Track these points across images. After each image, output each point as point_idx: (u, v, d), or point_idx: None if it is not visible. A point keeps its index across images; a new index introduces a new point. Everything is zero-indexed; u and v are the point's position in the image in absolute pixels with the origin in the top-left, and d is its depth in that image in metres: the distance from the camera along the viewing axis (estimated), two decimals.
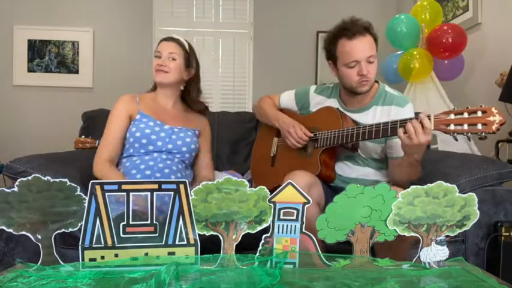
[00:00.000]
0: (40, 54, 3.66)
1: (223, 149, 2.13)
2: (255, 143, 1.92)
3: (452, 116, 1.15)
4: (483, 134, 1.10)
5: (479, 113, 1.11)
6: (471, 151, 2.29)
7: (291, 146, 1.59)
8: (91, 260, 0.91)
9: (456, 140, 1.18)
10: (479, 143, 2.34)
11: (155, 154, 1.55)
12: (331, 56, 1.54)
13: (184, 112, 1.72)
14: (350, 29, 1.45)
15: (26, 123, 3.62)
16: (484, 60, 2.57)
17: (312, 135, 1.56)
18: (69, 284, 0.83)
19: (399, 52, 2.74)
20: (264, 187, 0.95)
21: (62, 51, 3.68)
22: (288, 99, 1.77)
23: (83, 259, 0.91)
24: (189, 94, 1.71)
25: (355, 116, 1.56)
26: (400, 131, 1.25)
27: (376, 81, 1.58)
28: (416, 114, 1.25)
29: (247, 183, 0.95)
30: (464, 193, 0.94)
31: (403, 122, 1.26)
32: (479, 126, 1.10)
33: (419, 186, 0.94)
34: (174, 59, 1.61)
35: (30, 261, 0.92)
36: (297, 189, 0.94)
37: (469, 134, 1.13)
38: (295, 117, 1.67)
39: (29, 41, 3.64)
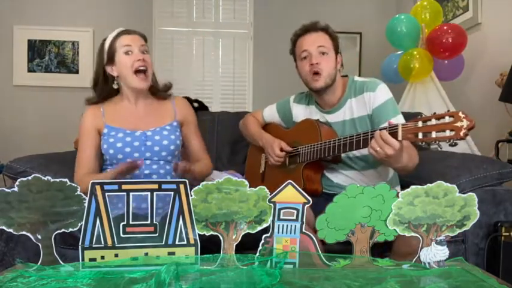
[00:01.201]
0: (40, 54, 3.66)
1: (223, 149, 2.13)
2: (247, 159, 1.92)
3: (420, 124, 1.08)
4: (452, 140, 1.02)
5: (447, 118, 1.03)
6: (471, 151, 2.29)
7: (272, 164, 1.61)
8: (91, 260, 0.91)
9: (428, 149, 1.14)
10: (479, 143, 2.34)
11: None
12: (294, 58, 1.58)
13: (156, 105, 1.55)
14: (304, 28, 1.52)
15: (26, 123, 3.62)
16: (484, 60, 2.57)
17: (290, 150, 1.56)
18: (69, 284, 0.83)
19: (399, 52, 2.74)
20: (264, 187, 0.95)
21: (62, 51, 3.68)
22: (270, 113, 1.78)
23: (83, 259, 0.91)
24: (154, 85, 1.54)
25: (332, 117, 1.53)
26: (370, 145, 1.20)
27: (345, 76, 1.57)
28: (389, 126, 1.19)
29: (247, 183, 0.95)
30: (464, 193, 0.94)
31: (373, 134, 1.21)
32: (448, 133, 1.02)
33: (419, 186, 0.94)
34: (147, 52, 1.46)
35: (30, 261, 0.92)
36: (297, 189, 0.94)
37: (438, 143, 1.05)
38: (278, 132, 1.68)
39: (29, 41, 3.64)
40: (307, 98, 1.66)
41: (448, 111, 1.05)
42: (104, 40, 1.49)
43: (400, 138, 1.13)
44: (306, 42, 1.49)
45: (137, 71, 1.43)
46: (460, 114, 1.00)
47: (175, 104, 1.59)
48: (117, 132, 1.46)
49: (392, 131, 1.15)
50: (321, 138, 1.45)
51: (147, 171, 1.45)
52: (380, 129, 1.19)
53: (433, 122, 1.05)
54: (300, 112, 1.65)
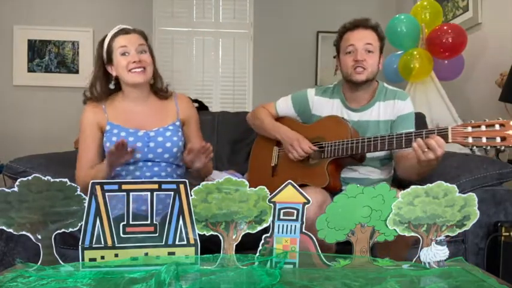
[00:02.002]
0: (40, 54, 3.66)
1: (223, 149, 2.13)
2: (252, 152, 1.84)
3: (469, 129, 1.16)
4: (502, 147, 1.11)
5: (497, 126, 1.11)
6: (471, 151, 2.28)
7: (293, 158, 1.55)
8: (91, 260, 0.91)
9: (473, 152, 1.19)
10: None
11: (140, 163, 1.43)
12: (337, 50, 1.59)
13: (159, 104, 1.52)
14: (355, 23, 1.53)
15: (26, 123, 3.62)
16: (484, 60, 2.57)
17: (316, 148, 1.52)
18: (69, 284, 0.83)
19: (399, 52, 2.74)
20: (264, 187, 0.95)
21: (62, 51, 3.68)
22: (285, 105, 1.71)
23: (83, 259, 0.91)
24: (156, 85, 1.52)
25: (359, 115, 1.55)
26: (415, 144, 1.24)
27: (376, 81, 1.59)
28: (429, 130, 1.25)
29: (247, 183, 0.95)
30: (464, 193, 0.94)
31: (418, 134, 1.26)
32: (498, 140, 1.11)
33: (419, 186, 0.94)
34: (145, 52, 1.42)
35: (30, 261, 0.92)
36: (297, 189, 0.94)
37: (488, 147, 1.13)
38: (296, 127, 1.63)
39: (29, 41, 3.64)
40: (330, 92, 1.64)
41: (499, 119, 1.12)
42: (103, 39, 1.46)
43: (450, 140, 1.19)
44: (354, 37, 1.50)
45: (132, 70, 1.40)
46: (511, 123, 1.08)
47: (178, 102, 1.55)
48: (119, 131, 1.43)
49: (442, 133, 1.20)
50: (351, 136, 1.45)
51: (148, 173, 1.43)
52: (427, 131, 1.24)
53: (483, 128, 1.13)
54: (323, 104, 1.62)
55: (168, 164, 1.47)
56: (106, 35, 1.46)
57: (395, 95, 1.55)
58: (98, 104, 1.48)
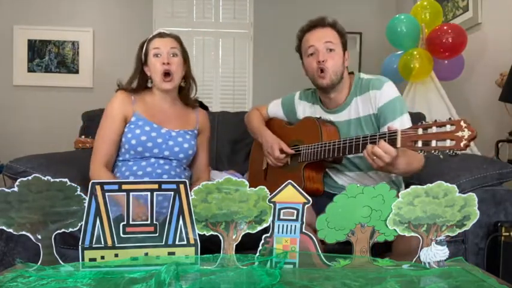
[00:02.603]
0: (40, 54, 3.66)
1: (223, 149, 2.13)
2: (251, 153, 1.89)
3: (420, 132, 1.04)
4: (452, 151, 0.98)
5: (448, 127, 0.98)
6: (471, 151, 2.29)
7: (270, 163, 1.60)
8: (91, 260, 0.91)
9: (427, 157, 1.09)
10: (479, 143, 2.34)
11: (152, 159, 1.48)
12: (300, 54, 1.55)
13: (183, 110, 1.62)
14: (311, 24, 1.49)
15: (26, 123, 3.62)
16: (484, 60, 2.57)
17: (292, 152, 1.53)
18: (69, 284, 0.83)
19: (399, 52, 2.74)
20: (264, 187, 0.95)
21: (62, 51, 3.68)
22: (275, 108, 1.74)
23: (83, 259, 0.91)
24: (186, 91, 1.62)
25: (336, 116, 1.51)
26: (365, 152, 1.18)
27: (351, 73, 1.53)
28: (380, 133, 1.18)
29: (247, 183, 0.95)
30: (464, 193, 0.94)
31: (364, 140, 1.22)
32: (448, 143, 0.98)
33: (419, 186, 0.94)
34: (175, 55, 1.51)
35: (30, 261, 0.92)
36: (297, 189, 0.94)
37: (438, 152, 1.00)
38: (281, 129, 1.65)
39: (29, 41, 3.64)
40: (313, 96, 1.62)
41: (450, 118, 1.00)
42: (143, 42, 1.57)
43: (398, 145, 1.10)
44: (312, 38, 1.46)
45: (163, 74, 1.48)
46: (462, 123, 0.96)
47: (199, 114, 1.66)
48: (144, 124, 1.49)
49: (392, 137, 1.13)
50: (322, 139, 1.43)
51: (159, 170, 1.47)
52: (380, 135, 1.17)
53: (434, 129, 1.01)
54: (305, 110, 1.62)
55: (178, 165, 1.53)
56: (146, 38, 1.57)
57: (369, 85, 1.43)
58: (128, 95, 1.53)
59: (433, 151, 1.01)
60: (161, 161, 1.49)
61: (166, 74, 1.48)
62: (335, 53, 1.43)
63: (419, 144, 1.04)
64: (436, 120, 1.03)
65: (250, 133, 1.81)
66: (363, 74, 1.51)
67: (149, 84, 1.60)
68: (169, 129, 1.53)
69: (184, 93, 1.62)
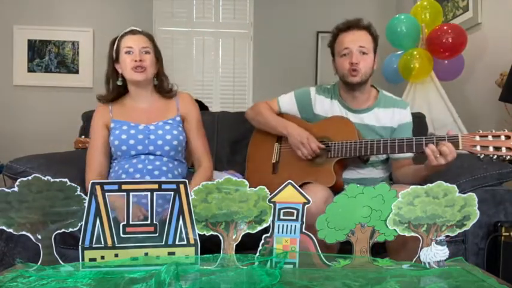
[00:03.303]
0: (40, 54, 3.66)
1: (223, 149, 2.12)
2: (249, 150, 1.81)
3: (477, 138, 1.25)
4: (507, 157, 1.20)
5: (503, 137, 1.22)
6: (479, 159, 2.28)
7: (301, 156, 1.53)
8: (91, 260, 0.91)
9: (481, 160, 1.26)
10: None
11: (142, 156, 1.50)
12: (332, 52, 1.60)
13: (160, 103, 1.60)
14: (347, 24, 1.54)
15: (26, 123, 3.62)
16: (484, 60, 2.57)
17: (323, 147, 1.51)
18: (69, 284, 0.83)
19: (399, 52, 2.74)
20: (264, 187, 0.95)
21: (62, 51, 3.68)
22: (288, 102, 1.69)
23: (83, 259, 0.91)
24: (162, 86, 1.59)
25: (358, 117, 1.57)
26: (427, 149, 1.29)
27: (374, 87, 1.62)
28: (439, 136, 1.32)
29: (247, 183, 0.95)
30: (464, 193, 0.94)
31: (430, 140, 1.32)
32: (504, 150, 1.21)
33: (419, 186, 0.94)
34: (148, 53, 1.51)
35: (30, 261, 0.92)
36: (297, 189, 0.94)
37: (494, 156, 1.22)
38: (302, 125, 1.60)
39: (29, 41, 3.64)
40: (330, 92, 1.64)
41: (505, 130, 1.23)
42: (114, 39, 1.57)
43: (460, 147, 1.26)
44: (348, 40, 1.51)
45: (134, 68, 1.48)
46: None
47: (179, 99, 1.63)
48: (121, 125, 1.53)
49: (453, 140, 1.27)
50: (358, 137, 1.48)
51: (149, 167, 1.48)
52: (437, 137, 1.31)
53: (490, 138, 1.23)
54: (324, 104, 1.63)
55: (170, 160, 1.53)
56: (117, 36, 1.57)
57: (395, 103, 1.58)
58: (105, 106, 1.59)
59: (491, 155, 1.23)
60: (151, 157, 1.51)
61: (138, 67, 1.48)
62: (367, 56, 1.51)
63: (478, 148, 1.24)
64: (492, 131, 1.24)
65: (259, 126, 1.73)
66: (385, 92, 1.64)
67: (119, 83, 1.57)
68: (146, 124, 1.54)
69: (159, 86, 1.60)
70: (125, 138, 1.50)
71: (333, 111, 1.60)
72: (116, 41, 1.54)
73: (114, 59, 1.54)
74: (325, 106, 1.62)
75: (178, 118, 1.58)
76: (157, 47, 1.58)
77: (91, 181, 0.92)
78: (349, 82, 1.52)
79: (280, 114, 1.70)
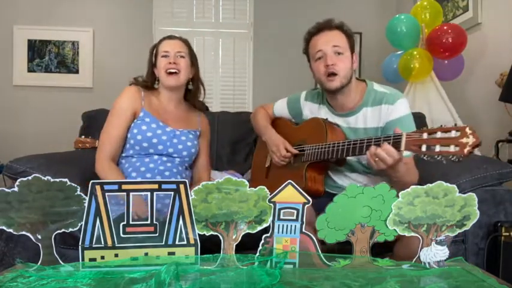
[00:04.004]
0: (40, 54, 3.66)
1: (223, 149, 2.13)
2: (255, 152, 1.90)
3: (425, 136, 1.06)
4: (455, 157, 0.99)
5: (453, 133, 1.00)
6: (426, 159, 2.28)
7: (275, 162, 1.60)
8: (91, 260, 0.91)
9: (429, 160, 1.08)
10: None
11: (155, 156, 1.52)
12: (308, 57, 1.55)
13: (186, 112, 1.68)
14: (318, 27, 1.48)
15: (26, 123, 3.62)
16: (484, 60, 2.57)
17: (296, 152, 1.54)
18: (69, 284, 0.83)
19: (399, 52, 2.74)
20: (264, 187, 0.95)
21: (62, 51, 3.68)
22: (281, 107, 1.74)
23: (83, 259, 0.91)
24: (193, 93, 1.68)
25: (345, 120, 1.50)
26: (367, 153, 1.20)
27: (364, 81, 1.53)
28: (385, 136, 1.19)
29: (247, 183, 0.95)
30: (464, 193, 0.94)
31: (368, 142, 1.23)
32: (452, 148, 0.99)
33: (419, 186, 0.94)
34: (182, 57, 1.57)
35: (30, 261, 0.92)
36: (297, 189, 0.94)
37: (441, 157, 1.02)
38: (286, 128, 1.66)
39: (29, 41, 3.64)
40: (319, 97, 1.61)
41: (456, 124, 1.04)
42: (154, 45, 1.63)
43: (402, 148, 1.12)
44: (320, 42, 1.44)
45: (168, 72, 1.54)
46: (467, 130, 0.97)
47: (200, 118, 1.73)
48: (151, 121, 1.53)
49: (396, 140, 1.13)
50: (327, 139, 1.42)
51: (161, 167, 1.51)
52: (384, 137, 1.18)
53: (439, 134, 1.02)
54: (312, 111, 1.62)
55: (181, 163, 1.57)
56: (157, 42, 1.63)
57: (384, 99, 1.42)
58: (138, 90, 1.57)
59: (436, 156, 1.02)
60: (164, 158, 1.52)
61: (172, 73, 1.54)
62: (344, 56, 1.42)
63: (424, 148, 1.05)
64: (441, 126, 1.04)
65: (256, 131, 1.82)
66: (376, 85, 1.49)
67: (156, 86, 1.65)
68: (173, 128, 1.57)
69: (193, 94, 1.68)
70: (149, 136, 1.51)
71: (321, 115, 1.57)
72: (155, 47, 1.61)
73: (153, 64, 1.60)
74: (313, 112, 1.61)
75: (198, 133, 1.67)
76: (193, 51, 1.64)
77: (91, 181, 0.92)
78: (328, 89, 1.45)
79: (275, 118, 1.77)
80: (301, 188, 1.39)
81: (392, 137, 1.15)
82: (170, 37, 1.61)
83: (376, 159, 1.16)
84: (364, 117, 1.46)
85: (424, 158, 1.07)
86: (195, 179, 1.66)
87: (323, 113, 1.57)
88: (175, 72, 1.54)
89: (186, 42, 1.63)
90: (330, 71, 1.41)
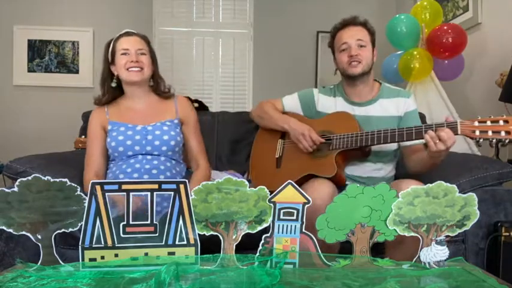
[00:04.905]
0: (40, 54, 3.66)
1: (223, 149, 2.12)
2: (254, 146, 1.86)
3: (476, 123, 1.27)
4: (506, 140, 1.23)
5: (501, 122, 1.24)
6: (471, 151, 2.29)
7: (303, 149, 1.57)
8: (91, 260, 0.91)
9: (479, 145, 1.32)
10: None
11: (139, 156, 1.51)
12: (332, 51, 1.66)
13: (158, 103, 1.62)
14: (344, 22, 1.62)
15: (26, 123, 3.62)
16: (484, 60, 2.57)
17: (324, 140, 1.54)
18: (69, 284, 0.83)
19: (399, 52, 2.74)
20: (264, 187, 0.95)
21: (62, 51, 3.68)
22: (291, 102, 1.75)
23: (83, 259, 0.91)
24: (158, 87, 1.61)
25: (364, 110, 1.59)
26: (427, 136, 1.32)
27: (377, 81, 1.66)
28: (438, 123, 1.34)
29: (247, 183, 0.95)
30: (464, 193, 0.94)
31: (429, 127, 1.34)
32: (503, 134, 1.23)
33: (419, 186, 0.94)
34: (143, 54, 1.53)
35: (30, 261, 0.92)
36: (297, 189, 0.94)
37: (494, 140, 1.25)
38: (304, 121, 1.65)
39: (29, 41, 3.64)
40: (332, 91, 1.69)
41: (503, 115, 1.25)
42: (109, 41, 1.58)
43: (459, 132, 1.29)
44: (345, 36, 1.58)
45: (130, 68, 1.51)
46: None
47: (178, 102, 1.65)
48: (119, 127, 1.54)
49: (451, 126, 1.30)
50: (360, 130, 1.50)
51: (147, 166, 1.49)
52: (436, 125, 1.33)
53: (489, 123, 1.26)
54: (327, 102, 1.67)
55: (167, 159, 1.54)
56: (112, 38, 1.58)
57: (399, 93, 1.62)
58: (101, 108, 1.60)
59: (490, 139, 1.25)
60: (148, 157, 1.51)
61: (134, 66, 1.50)
62: (366, 49, 1.57)
63: (477, 133, 1.26)
64: (490, 116, 1.27)
65: (263, 122, 1.78)
66: (387, 84, 1.68)
67: (113, 84, 1.58)
68: (144, 125, 1.55)
69: (157, 87, 1.62)
70: (122, 140, 1.51)
71: (337, 107, 1.63)
72: (112, 43, 1.56)
73: (109, 61, 1.56)
74: (329, 104, 1.66)
75: (176, 121, 1.60)
76: (152, 48, 1.60)
77: (91, 181, 0.92)
78: (350, 74, 1.56)
79: (284, 113, 1.76)
80: (331, 176, 1.46)
81: (446, 124, 1.31)
82: (128, 33, 1.56)
83: (437, 141, 1.29)
84: (383, 107, 1.60)
85: (477, 140, 1.28)
86: (193, 167, 1.63)
87: (339, 104, 1.64)
88: (139, 67, 1.51)
89: (145, 39, 1.58)
90: (354, 60, 1.54)
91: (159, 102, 1.62)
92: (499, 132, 1.24)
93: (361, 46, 1.56)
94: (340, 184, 1.49)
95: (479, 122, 1.27)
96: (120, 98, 1.62)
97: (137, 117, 1.56)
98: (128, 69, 1.50)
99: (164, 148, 1.52)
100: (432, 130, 1.32)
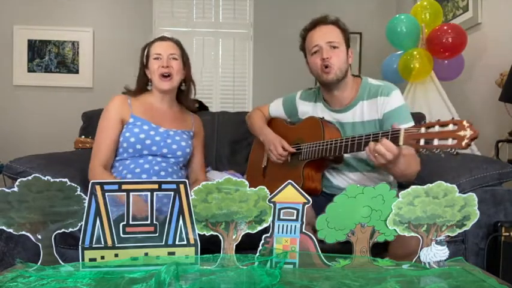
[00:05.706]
0: (40, 54, 3.66)
1: (223, 149, 2.13)
2: (251, 152, 1.90)
3: (423, 130, 1.06)
4: (454, 150, 0.99)
5: (451, 126, 1.00)
6: (471, 151, 2.29)
7: (273, 160, 1.60)
8: (91, 260, 0.91)
9: (427, 154, 1.09)
10: (479, 143, 2.34)
11: (150, 157, 1.52)
12: (304, 53, 1.57)
13: (180, 113, 1.68)
14: (314, 22, 1.51)
15: (26, 123, 3.62)
16: (484, 60, 2.57)
17: (293, 150, 1.55)
18: (69, 284, 0.83)
19: (399, 52, 2.74)
20: (264, 187, 0.95)
21: (62, 51, 3.68)
22: (276, 107, 1.76)
23: (83, 259, 0.91)
24: (185, 94, 1.67)
25: (341, 116, 1.51)
26: (366, 149, 1.20)
27: (359, 76, 1.55)
28: (383, 132, 1.19)
29: (247, 183, 0.95)
30: (464, 193, 0.94)
31: (367, 138, 1.23)
32: (450, 142, 0.99)
33: (419, 186, 0.94)
34: (175, 59, 1.56)
35: (30, 261, 0.92)
36: (297, 189, 0.94)
37: (440, 151, 1.02)
38: (283, 128, 1.67)
39: (29, 41, 3.64)
40: (314, 95, 1.63)
41: (453, 118, 1.03)
42: (145, 45, 1.63)
43: (401, 143, 1.12)
44: (316, 37, 1.47)
45: (161, 74, 1.53)
46: (465, 123, 0.97)
47: (193, 117, 1.73)
48: (142, 124, 1.54)
49: (394, 135, 1.14)
50: (324, 137, 1.43)
51: (156, 167, 1.50)
52: (382, 133, 1.18)
53: (437, 128, 1.03)
54: (307, 110, 1.62)
55: (176, 163, 1.57)
56: (148, 42, 1.63)
57: (378, 91, 1.44)
58: (124, 98, 1.59)
59: (434, 150, 1.03)
60: (158, 159, 1.52)
61: (165, 75, 1.53)
62: (339, 50, 1.45)
63: (422, 142, 1.05)
64: (439, 120, 1.04)
65: (252, 132, 1.83)
66: (370, 79, 1.52)
67: (149, 87, 1.65)
68: (167, 128, 1.57)
69: (184, 95, 1.67)
70: (142, 138, 1.51)
71: (317, 114, 1.57)
72: (146, 48, 1.60)
73: (144, 65, 1.59)
74: (308, 110, 1.62)
75: (191, 133, 1.67)
76: (185, 52, 1.64)
77: (91, 181, 0.92)
78: (324, 81, 1.48)
79: (272, 118, 1.78)
80: (299, 186, 1.42)
81: (391, 132, 1.15)
82: (162, 38, 1.60)
83: (376, 154, 1.16)
84: (362, 111, 1.47)
85: (423, 152, 1.07)
86: (192, 179, 1.67)
87: (319, 110, 1.58)
88: (169, 75, 1.54)
89: (178, 44, 1.62)
90: (325, 64, 1.43)
91: (180, 112, 1.68)
92: (447, 140, 1.00)
93: (334, 47, 1.44)
94: (313, 194, 1.46)
95: (427, 127, 1.05)
96: (145, 93, 1.63)
97: (160, 118, 1.58)
98: (159, 76, 1.53)
99: (179, 153, 1.56)
100: (376, 139, 1.18)
